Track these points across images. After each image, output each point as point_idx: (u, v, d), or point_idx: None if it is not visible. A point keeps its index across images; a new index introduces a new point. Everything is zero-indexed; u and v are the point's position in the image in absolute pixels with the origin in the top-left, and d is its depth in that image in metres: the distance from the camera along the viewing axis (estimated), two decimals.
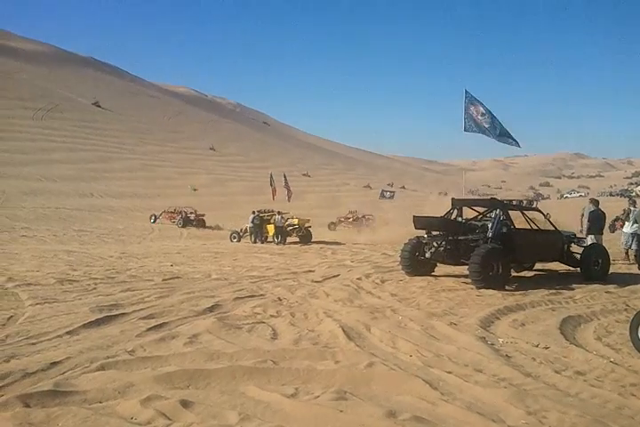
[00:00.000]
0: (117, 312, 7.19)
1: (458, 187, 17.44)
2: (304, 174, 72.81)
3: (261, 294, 8.80)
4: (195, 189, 47.60)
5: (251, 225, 21.98)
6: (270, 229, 21.96)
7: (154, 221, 31.87)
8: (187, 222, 31.28)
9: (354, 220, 33.19)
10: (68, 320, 6.73)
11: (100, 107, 78.11)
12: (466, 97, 14.26)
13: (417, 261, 10.83)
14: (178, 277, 10.74)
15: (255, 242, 21.57)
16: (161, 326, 6.51)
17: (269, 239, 21.96)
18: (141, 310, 7.42)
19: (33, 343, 5.74)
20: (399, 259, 11.24)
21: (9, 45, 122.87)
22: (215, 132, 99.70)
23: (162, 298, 8.32)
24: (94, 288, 9.20)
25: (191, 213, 32.42)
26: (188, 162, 64.43)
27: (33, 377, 4.64)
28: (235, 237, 22.39)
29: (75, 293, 8.72)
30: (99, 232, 24.96)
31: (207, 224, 31.81)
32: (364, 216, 33.41)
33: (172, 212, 32.55)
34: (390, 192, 55.48)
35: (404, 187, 73.82)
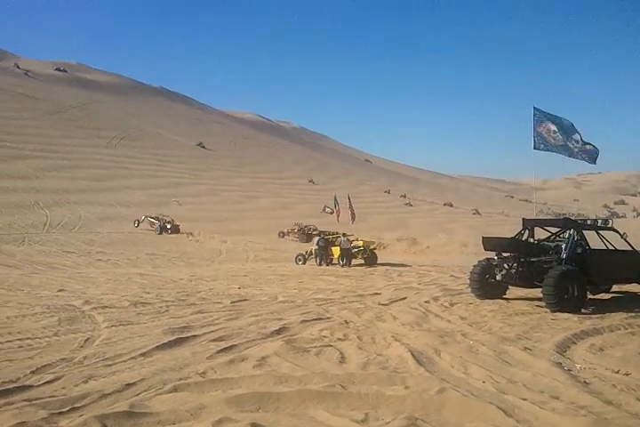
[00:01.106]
0: (189, 334, 7.35)
1: (527, 206, 16.98)
2: (367, 195, 72.85)
3: (328, 317, 8.79)
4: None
5: (316, 247, 22.06)
6: (335, 251, 21.96)
7: (137, 226, 35.95)
8: (163, 229, 35.41)
9: (299, 230, 38.02)
10: (142, 342, 6.93)
11: (204, 147, 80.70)
12: (535, 115, 13.95)
13: (487, 284, 10.57)
14: (245, 300, 10.88)
15: (320, 264, 21.61)
16: (230, 348, 6.60)
17: (334, 261, 21.96)
18: (211, 332, 7.55)
19: (109, 365, 5.93)
20: (468, 281, 11.01)
21: (86, 78, 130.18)
22: (280, 156, 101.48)
23: (231, 320, 8.45)
24: (166, 310, 9.45)
25: (168, 221, 36.51)
26: (253, 186, 65.70)
27: (109, 398, 4.79)
28: (300, 260, 22.52)
29: (148, 315, 8.98)
30: (169, 255, 25.69)
31: (182, 231, 36.12)
32: (306, 226, 37.87)
33: (153, 217, 36.70)
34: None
35: (477, 212, 72.14)
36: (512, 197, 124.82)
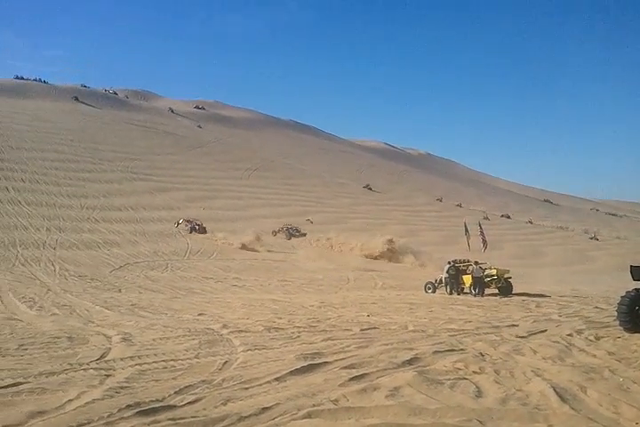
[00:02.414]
0: (320, 361, 7.41)
1: None
2: (498, 220, 70.15)
3: (462, 349, 8.47)
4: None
5: (446, 276, 21.48)
6: (467, 279, 21.24)
7: (177, 226, 43.50)
8: (193, 230, 42.88)
9: (286, 229, 46.34)
10: (276, 367, 7.09)
11: (370, 189, 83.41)
12: None
13: (637, 316, 9.69)
14: (375, 328, 10.80)
15: (451, 293, 20.98)
16: (362, 376, 6.55)
17: (465, 290, 21.24)
18: (342, 359, 7.56)
19: (246, 388, 6.12)
20: (616, 313, 10.15)
21: (222, 114, 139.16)
22: (406, 183, 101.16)
23: (361, 348, 8.42)
24: (298, 336, 9.62)
25: (197, 224, 44.05)
26: (380, 213, 65.88)
27: (247, 421, 4.93)
28: (429, 288, 22.03)
29: (281, 340, 9.20)
30: (299, 282, 26.28)
31: (209, 232, 43.25)
32: (290, 227, 46.67)
33: (187, 220, 44.56)
34: None
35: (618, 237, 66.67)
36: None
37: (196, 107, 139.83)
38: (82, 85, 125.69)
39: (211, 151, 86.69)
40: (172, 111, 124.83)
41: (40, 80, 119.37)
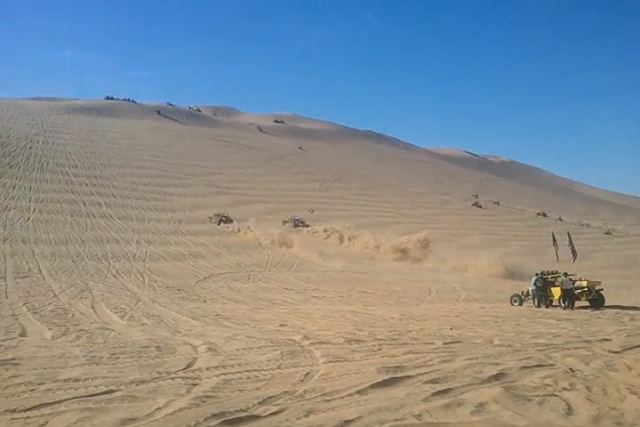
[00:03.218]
0: (402, 374, 7.31)
1: None
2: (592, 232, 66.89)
3: (550, 364, 8.12)
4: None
5: (533, 288, 20.67)
6: (555, 291, 20.35)
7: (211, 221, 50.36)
8: (222, 221, 49.93)
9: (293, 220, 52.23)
10: (357, 379, 7.06)
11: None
12: None
13: None
14: (458, 342, 10.54)
15: (539, 306, 20.15)
16: (445, 391, 6.41)
17: (554, 303, 20.36)
18: (425, 373, 7.42)
19: (328, 400, 6.13)
20: None
21: (300, 127, 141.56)
22: (487, 192, 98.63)
23: (444, 362, 8.24)
24: (379, 349, 9.54)
25: (224, 216, 50.95)
26: (460, 223, 64.55)
27: None
28: (516, 301, 21.27)
29: (362, 352, 9.16)
30: (379, 294, 26.09)
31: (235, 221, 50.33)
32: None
33: (217, 214, 50.85)
34: None
35: None
36: None
37: (275, 120, 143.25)
38: (167, 104, 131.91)
39: (289, 164, 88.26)
40: (254, 126, 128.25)
41: (129, 100, 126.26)
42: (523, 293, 21.51)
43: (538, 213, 78.73)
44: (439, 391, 6.37)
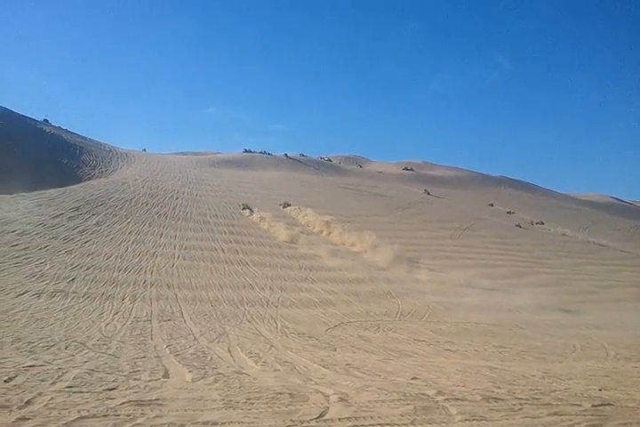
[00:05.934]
0: None
1: None
2: None
3: None
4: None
5: None
6: None
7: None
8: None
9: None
10: None
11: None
12: None
13: None
14: (609, 404, 9.58)
15: None
16: None
17: None
18: None
19: None
20: None
21: (430, 174, 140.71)
22: (638, 240, 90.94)
23: None
24: (520, 409, 8.92)
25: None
26: (608, 274, 59.78)
27: None
28: None
29: (501, 412, 8.61)
30: (517, 349, 24.54)
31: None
32: None
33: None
34: None
35: None
36: None
37: (405, 168, 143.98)
38: (300, 154, 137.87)
39: (419, 211, 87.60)
40: (383, 174, 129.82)
41: (264, 152, 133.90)
42: None
43: None
44: None
